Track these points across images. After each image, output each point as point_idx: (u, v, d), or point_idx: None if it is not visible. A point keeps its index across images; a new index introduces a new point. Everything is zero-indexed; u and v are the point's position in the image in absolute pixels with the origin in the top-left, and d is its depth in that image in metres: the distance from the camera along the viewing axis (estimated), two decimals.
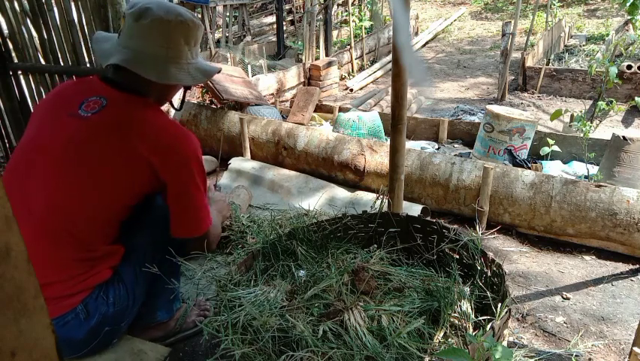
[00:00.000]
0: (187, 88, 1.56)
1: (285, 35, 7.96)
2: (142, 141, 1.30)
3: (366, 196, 2.87)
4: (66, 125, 1.32)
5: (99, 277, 1.34)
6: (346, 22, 8.33)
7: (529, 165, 3.18)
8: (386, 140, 3.62)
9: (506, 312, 1.33)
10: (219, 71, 1.55)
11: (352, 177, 2.99)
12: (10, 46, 2.95)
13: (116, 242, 1.41)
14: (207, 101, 4.31)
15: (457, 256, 1.72)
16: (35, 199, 1.29)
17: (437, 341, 1.39)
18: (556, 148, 3.09)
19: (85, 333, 1.33)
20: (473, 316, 1.50)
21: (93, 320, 1.33)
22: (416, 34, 9.52)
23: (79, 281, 1.31)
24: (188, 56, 1.41)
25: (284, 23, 8.03)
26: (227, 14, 7.86)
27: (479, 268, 1.61)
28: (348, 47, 7.24)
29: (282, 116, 4.32)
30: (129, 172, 1.31)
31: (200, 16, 7.01)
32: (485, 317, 1.42)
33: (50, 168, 1.30)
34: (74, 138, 1.30)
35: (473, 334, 1.35)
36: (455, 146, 3.97)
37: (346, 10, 8.46)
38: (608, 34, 7.60)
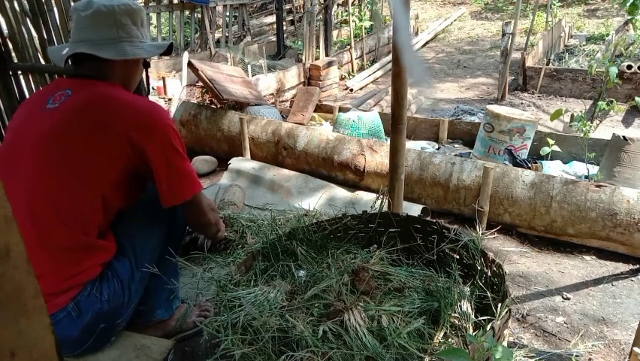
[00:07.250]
0: (146, 67, 1.62)
1: (285, 35, 7.95)
2: (115, 116, 1.35)
3: (366, 196, 2.86)
4: (38, 120, 1.38)
5: (88, 274, 1.34)
6: (346, 22, 8.32)
7: (529, 165, 3.18)
8: (386, 140, 3.62)
9: (506, 312, 1.33)
10: (171, 45, 1.60)
11: (352, 177, 2.99)
12: (10, 46, 2.95)
13: (107, 238, 1.41)
14: (207, 101, 4.32)
15: (457, 256, 1.72)
16: (21, 191, 1.31)
17: (437, 341, 1.39)
18: (556, 148, 3.08)
19: (79, 331, 1.32)
20: (473, 316, 1.50)
21: (86, 318, 1.32)
22: (416, 34, 9.51)
23: (68, 276, 1.30)
24: (138, 35, 1.50)
25: (284, 23, 8.02)
26: (227, 14, 7.86)
27: (479, 268, 1.61)
28: (348, 46, 7.24)
29: (282, 116, 4.31)
30: (107, 148, 1.34)
31: (200, 16, 7.01)
32: (485, 317, 1.42)
33: (30, 160, 1.33)
34: (47, 128, 1.35)
35: (473, 334, 1.35)
36: (455, 146, 3.96)
37: (346, 10, 8.46)
38: (608, 34, 7.60)
